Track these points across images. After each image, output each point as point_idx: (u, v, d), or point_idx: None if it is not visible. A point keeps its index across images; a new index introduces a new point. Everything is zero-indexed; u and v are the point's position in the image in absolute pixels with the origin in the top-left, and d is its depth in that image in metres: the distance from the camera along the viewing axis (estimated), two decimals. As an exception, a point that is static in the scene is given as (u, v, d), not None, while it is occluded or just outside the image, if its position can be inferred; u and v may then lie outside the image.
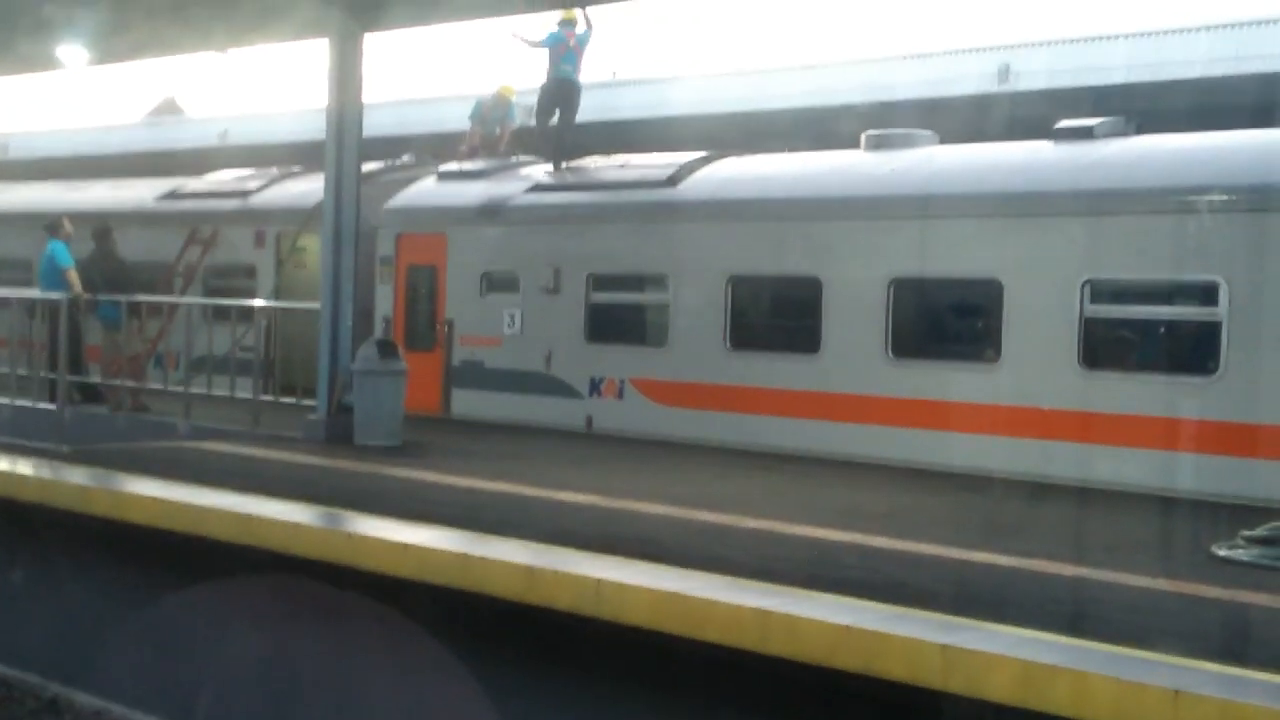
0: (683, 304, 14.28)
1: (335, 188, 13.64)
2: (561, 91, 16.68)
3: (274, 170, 19.98)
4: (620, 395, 14.65)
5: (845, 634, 6.37)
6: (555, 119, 16.71)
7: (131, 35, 15.66)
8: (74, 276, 15.80)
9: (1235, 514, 9.71)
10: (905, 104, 20.03)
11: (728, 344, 13.88)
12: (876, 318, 12.78)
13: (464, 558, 7.91)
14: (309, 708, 8.93)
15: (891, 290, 12.76)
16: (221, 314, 15.80)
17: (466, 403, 15.94)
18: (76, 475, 10.67)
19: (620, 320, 15.07)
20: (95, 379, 16.39)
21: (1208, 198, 11.21)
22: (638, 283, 15.03)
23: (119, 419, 14.84)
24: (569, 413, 14.93)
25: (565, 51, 16.64)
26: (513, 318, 15.58)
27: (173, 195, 20.22)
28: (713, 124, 20.81)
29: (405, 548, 8.18)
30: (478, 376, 15.87)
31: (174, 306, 16.96)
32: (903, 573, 7.72)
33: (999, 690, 5.92)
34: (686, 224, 14.45)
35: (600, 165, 16.17)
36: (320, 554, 8.60)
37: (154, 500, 9.72)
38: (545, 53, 16.66)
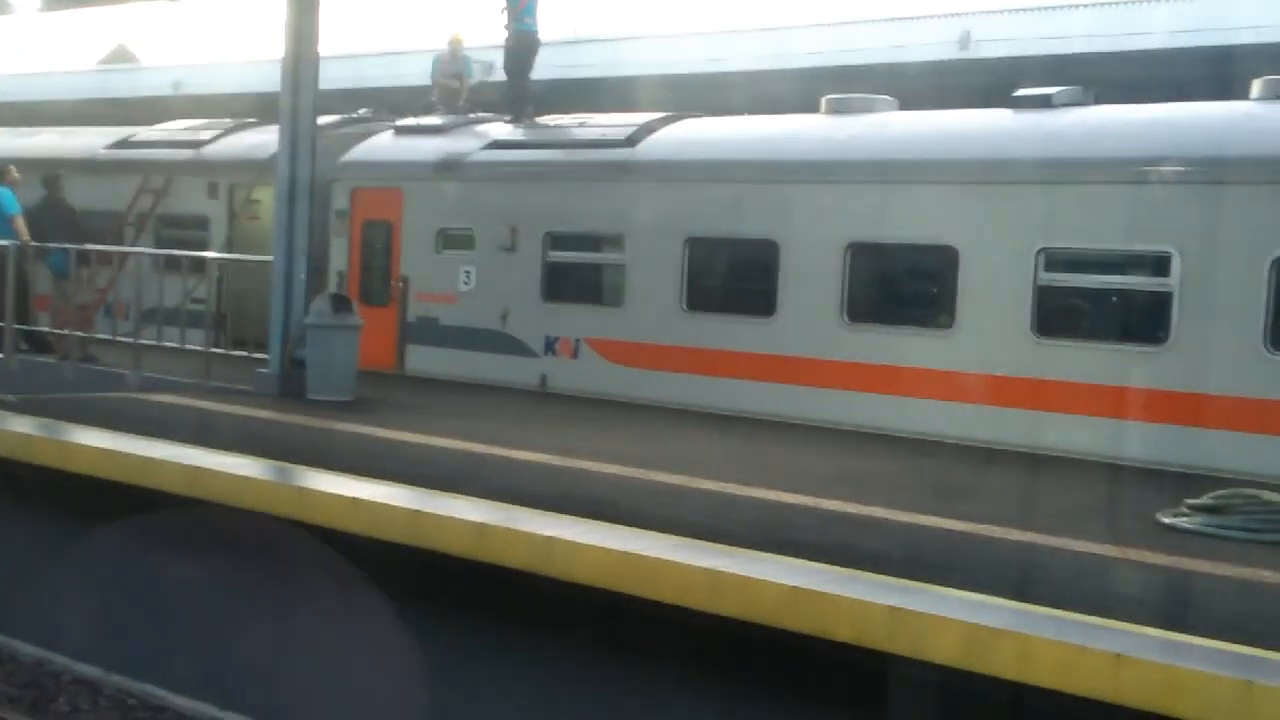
0: (639, 264, 14.24)
1: (290, 140, 13.48)
2: (525, 45, 16.68)
3: (228, 121, 19.73)
4: (575, 354, 14.62)
5: (794, 595, 6.40)
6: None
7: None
8: (21, 225, 15.58)
9: (1181, 482, 9.83)
10: (865, 68, 20.04)
11: (684, 305, 13.87)
12: (832, 282, 12.80)
13: (415, 514, 7.88)
14: (246, 656, 8.90)
15: (848, 255, 12.78)
16: (173, 265, 15.61)
17: (421, 359, 15.87)
18: (21, 424, 10.53)
19: (577, 280, 15.03)
20: (43, 328, 16.19)
21: (1162, 169, 11.28)
22: (595, 242, 14.98)
23: (66, 369, 14.67)
24: (524, 371, 14.90)
25: (525, 4, 16.60)
26: (468, 275, 15.49)
27: (124, 144, 19.93)
28: (673, 85, 20.75)
29: (355, 502, 8.14)
30: (432, 333, 15.80)
31: (124, 256, 16.75)
32: (853, 535, 7.76)
33: (944, 652, 5.97)
34: (644, 184, 14.40)
35: (559, 124, 16.07)
36: (269, 507, 8.54)
37: (100, 451, 9.61)
38: (505, 8, 16.58)
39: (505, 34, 16.87)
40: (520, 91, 16.83)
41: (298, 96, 13.45)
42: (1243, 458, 10.51)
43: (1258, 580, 7.06)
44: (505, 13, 16.72)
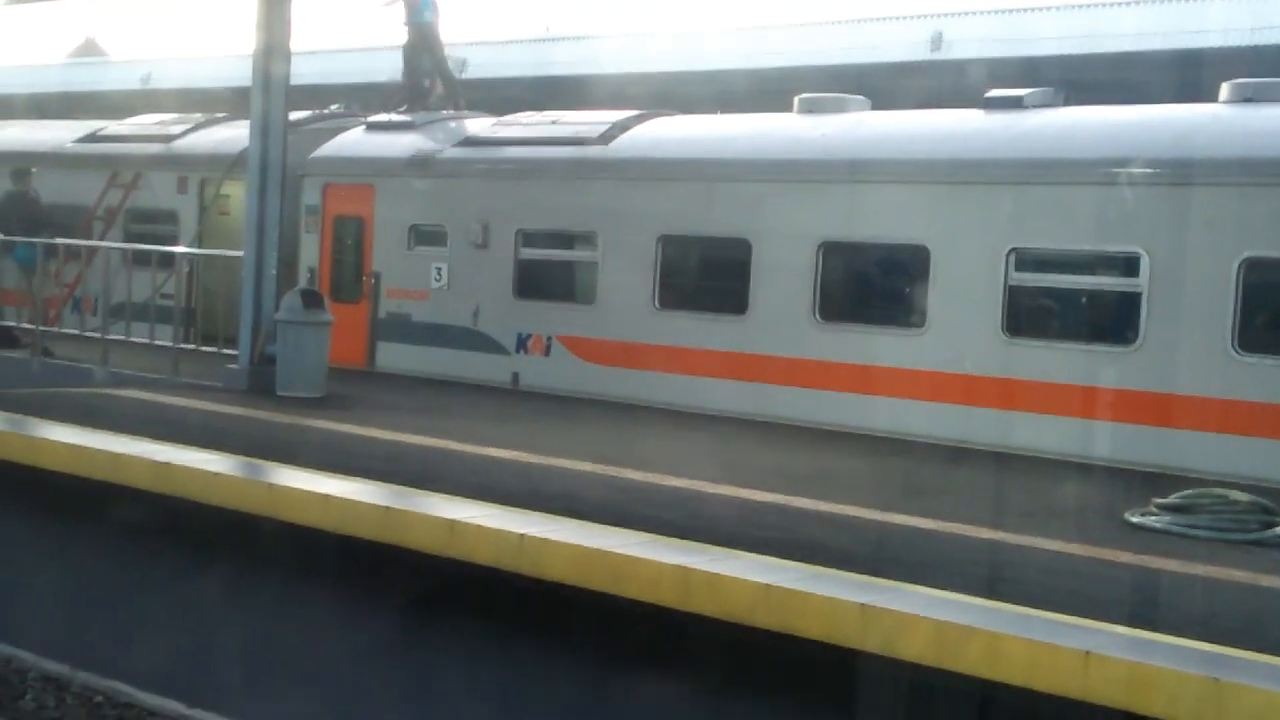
0: (612, 262, 14.23)
1: (261, 135, 13.40)
2: (424, 37, 17.22)
3: (198, 115, 19.60)
4: (547, 352, 14.60)
5: (765, 592, 6.41)
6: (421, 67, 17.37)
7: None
8: (-13, 219, 15.46)
9: (1149, 482, 9.90)
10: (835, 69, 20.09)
11: (656, 303, 13.87)
12: (805, 281, 12.82)
13: (385, 511, 7.85)
14: (226, 657, 8.85)
15: (820, 254, 12.80)
16: (142, 259, 15.50)
17: (392, 356, 15.80)
18: (-12, 420, 10.44)
19: (549, 277, 15.00)
20: (9, 323, 16.06)
21: (1131, 170, 11.35)
22: (567, 240, 14.95)
23: (34, 363, 14.55)
24: (495, 369, 14.86)
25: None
26: (440, 271, 15.45)
27: (93, 138, 19.78)
28: (645, 83, 20.74)
29: (326, 499, 8.11)
30: (404, 330, 15.74)
31: (93, 250, 16.62)
32: (823, 533, 7.78)
33: (914, 650, 5.99)
34: (617, 182, 14.39)
35: (532, 121, 16.04)
36: (239, 504, 8.50)
37: (68, 446, 9.54)
38: (402, 4, 17.10)
39: (404, 29, 17.29)
40: (419, 84, 17.35)
41: (269, 91, 13.39)
42: (1211, 458, 10.58)
43: (1226, 579, 7.12)
44: (404, 7, 17.14)
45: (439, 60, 17.55)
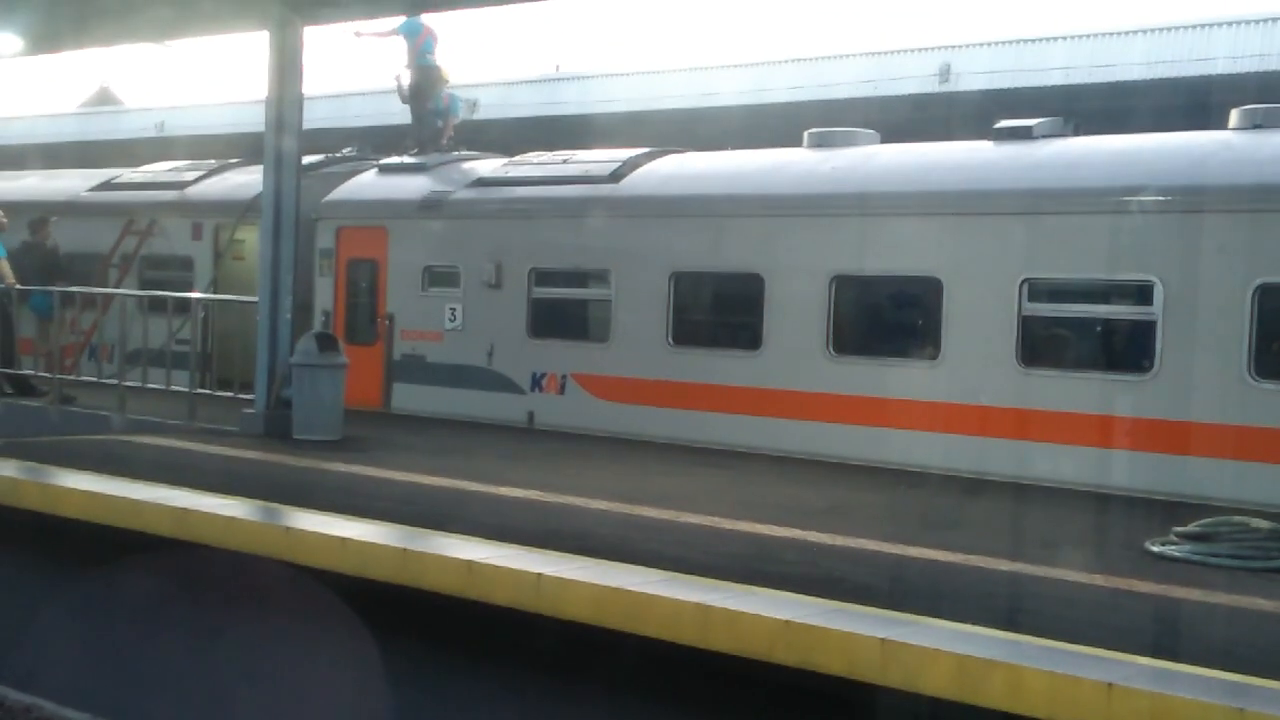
0: (625, 299, 14.26)
1: (275, 179, 13.50)
2: (429, 79, 17.50)
3: (212, 162, 19.75)
4: (562, 390, 14.62)
5: (785, 628, 6.38)
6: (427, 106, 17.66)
7: (67, 24, 15.41)
8: (6, 267, 15.56)
9: (1168, 510, 9.85)
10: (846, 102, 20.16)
11: (670, 340, 13.89)
12: (818, 315, 12.84)
13: (403, 553, 7.85)
14: (243, 705, 8.83)
15: (833, 287, 12.82)
16: (157, 306, 15.59)
17: (407, 397, 15.84)
18: (6, 468, 10.48)
19: (562, 315, 15.03)
20: (27, 371, 16.13)
21: (1143, 198, 11.35)
22: (580, 278, 15.00)
23: (51, 412, 14.61)
24: (511, 408, 14.88)
25: (424, 41, 17.31)
26: (454, 312, 15.49)
27: (108, 186, 19.93)
28: (656, 120, 20.84)
29: (344, 542, 8.11)
30: (419, 371, 15.78)
31: (109, 298, 16.71)
32: (842, 568, 7.75)
33: (936, 684, 5.96)
34: (629, 220, 14.44)
35: (543, 160, 16.13)
36: (257, 548, 8.50)
37: (86, 494, 9.57)
38: (403, 43, 17.33)
39: (408, 71, 17.55)
40: (427, 123, 17.58)
41: (281, 136, 13.49)
42: (1229, 485, 10.54)
43: (1248, 607, 7.07)
44: (407, 51, 17.39)
45: (431, 104, 17.79)
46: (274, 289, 13.41)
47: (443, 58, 17.66)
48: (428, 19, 17.31)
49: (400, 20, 17.18)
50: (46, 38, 16.30)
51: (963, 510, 10.46)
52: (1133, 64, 19.64)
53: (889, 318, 13.29)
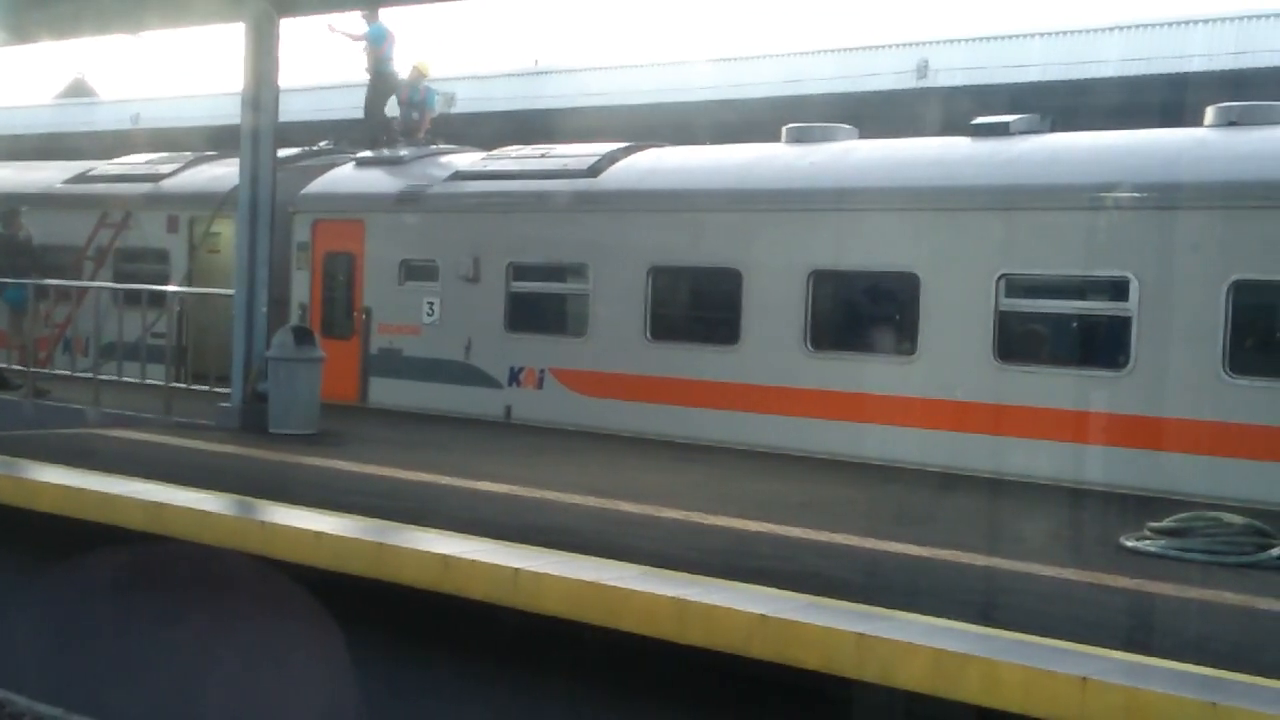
0: (603, 294, 14.25)
1: (251, 172, 13.43)
2: (389, 84, 17.90)
3: (188, 154, 19.65)
4: (540, 385, 14.59)
5: (761, 623, 6.39)
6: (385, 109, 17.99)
7: (43, 15, 15.30)
8: (-21, 260, 15.47)
9: (1143, 505, 9.90)
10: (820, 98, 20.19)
11: (648, 334, 13.88)
12: (795, 310, 12.85)
13: (379, 547, 7.83)
14: (216, 695, 8.80)
15: (810, 282, 12.83)
16: (133, 299, 15.50)
17: (384, 391, 15.79)
18: (-20, 462, 10.40)
19: (540, 310, 15.01)
20: (1, 365, 16.04)
21: (1119, 195, 11.40)
22: (558, 272, 14.97)
23: (26, 405, 14.52)
24: (488, 402, 14.85)
25: (386, 49, 17.69)
26: (432, 306, 15.46)
27: (83, 178, 19.80)
28: (634, 114, 20.83)
29: (319, 536, 8.08)
30: (396, 365, 15.74)
31: (83, 291, 16.61)
32: (818, 562, 7.76)
33: (912, 678, 5.98)
34: (607, 214, 14.42)
35: (521, 154, 16.09)
36: (232, 543, 8.47)
37: (61, 488, 9.51)
38: (367, 47, 17.61)
39: (369, 75, 17.86)
40: (382, 125, 17.86)
41: (258, 128, 13.42)
42: (1203, 480, 10.60)
43: (1221, 602, 7.11)
44: (368, 55, 17.65)
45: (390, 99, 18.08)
46: (250, 282, 13.35)
47: (400, 60, 17.98)
48: (390, 25, 17.59)
49: (368, 27, 17.32)
50: (20, 29, 16.19)
51: (939, 505, 10.49)
52: (1109, 61, 19.73)
53: (866, 313, 13.31)
